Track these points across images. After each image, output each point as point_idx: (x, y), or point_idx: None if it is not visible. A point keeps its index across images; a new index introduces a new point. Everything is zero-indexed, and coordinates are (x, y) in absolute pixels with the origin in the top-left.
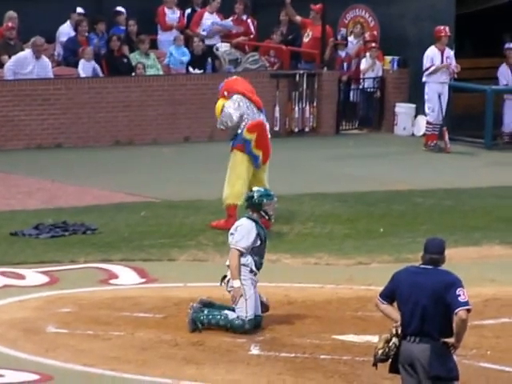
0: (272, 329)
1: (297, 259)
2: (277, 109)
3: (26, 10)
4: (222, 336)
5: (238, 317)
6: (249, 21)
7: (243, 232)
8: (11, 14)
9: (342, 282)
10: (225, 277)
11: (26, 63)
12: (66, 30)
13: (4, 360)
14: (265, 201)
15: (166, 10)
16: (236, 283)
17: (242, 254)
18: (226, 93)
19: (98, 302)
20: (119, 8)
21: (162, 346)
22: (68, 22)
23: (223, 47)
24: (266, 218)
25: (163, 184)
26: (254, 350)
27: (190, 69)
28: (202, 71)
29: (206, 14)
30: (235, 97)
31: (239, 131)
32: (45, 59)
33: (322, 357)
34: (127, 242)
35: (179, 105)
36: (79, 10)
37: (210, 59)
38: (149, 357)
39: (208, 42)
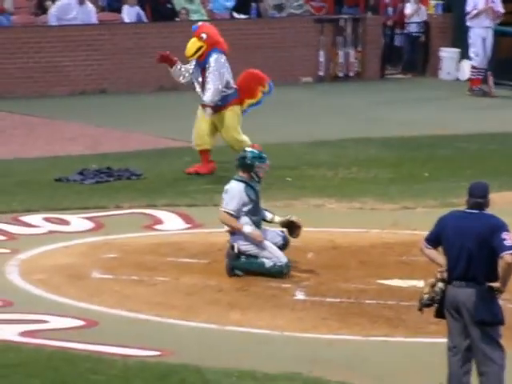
0: (317, 274)
1: (341, 204)
2: (321, 54)
3: None
4: (266, 281)
5: (274, 264)
6: None
7: (232, 194)
8: None
9: (386, 226)
10: (232, 247)
11: (70, 9)
12: None
13: (49, 306)
14: (257, 163)
15: None
16: (246, 229)
17: (232, 216)
18: (203, 35)
19: (143, 248)
20: None
21: (206, 292)
22: None
23: None
24: (256, 179)
25: None
26: (299, 295)
27: (235, 14)
28: (246, 16)
29: None
30: (212, 61)
31: (231, 90)
32: (88, 5)
33: (366, 301)
34: (172, 187)
35: None
36: None
37: (254, 4)
38: (194, 302)
39: None
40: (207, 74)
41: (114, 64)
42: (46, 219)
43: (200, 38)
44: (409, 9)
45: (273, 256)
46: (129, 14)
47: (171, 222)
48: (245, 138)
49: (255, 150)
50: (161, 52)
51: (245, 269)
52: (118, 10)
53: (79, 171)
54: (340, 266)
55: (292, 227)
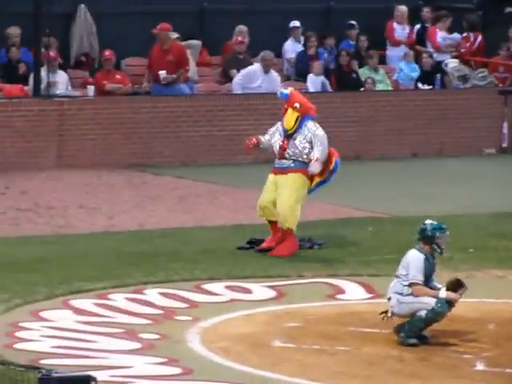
0: (498, 345)
1: None
2: (505, 125)
3: (255, 23)
4: (447, 352)
5: (427, 312)
6: (473, 37)
7: (418, 266)
8: (241, 28)
9: None
10: (386, 311)
11: (255, 77)
12: (289, 47)
13: (229, 374)
14: (437, 234)
15: (396, 25)
16: (442, 294)
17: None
18: (297, 105)
19: (325, 317)
20: (352, 21)
21: (388, 362)
22: (291, 38)
23: (452, 63)
24: (438, 251)
25: (390, 199)
26: (480, 366)
27: (419, 84)
28: (430, 87)
29: (437, 31)
30: (314, 127)
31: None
32: (273, 73)
33: None
34: (354, 256)
35: (407, 120)
36: (295, 23)
37: (438, 75)
38: (374, 372)
39: (437, 57)
40: (315, 142)
41: None
42: (228, 287)
43: (295, 108)
44: None
45: (423, 305)
46: (313, 82)
47: (353, 292)
48: (298, 214)
49: (434, 222)
50: (249, 144)
51: (413, 333)
52: (303, 79)
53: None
54: None
55: (457, 287)
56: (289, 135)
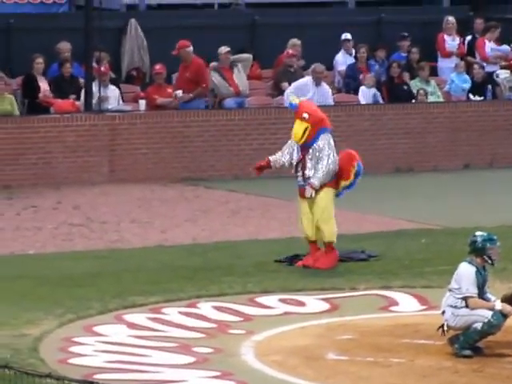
0: None
1: None
2: None
3: (307, 36)
4: (502, 363)
5: (483, 324)
6: None
7: (470, 279)
8: (294, 41)
9: None
10: (442, 326)
11: (306, 90)
12: (341, 59)
13: None
14: (488, 245)
15: (446, 37)
16: (498, 305)
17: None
18: (305, 115)
19: (379, 329)
20: (404, 33)
21: (442, 373)
22: (342, 51)
23: (503, 74)
24: (489, 262)
25: (443, 211)
26: None
27: (470, 96)
28: (482, 98)
29: (486, 42)
30: (323, 143)
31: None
32: (325, 86)
33: None
34: (407, 268)
35: (459, 132)
36: (346, 35)
37: (490, 86)
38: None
39: (488, 69)
40: (320, 156)
41: (349, 145)
42: (282, 300)
43: (303, 119)
44: None
45: (479, 317)
46: (365, 95)
47: (407, 304)
48: (335, 225)
49: (485, 233)
50: (258, 167)
51: (468, 345)
52: (355, 92)
53: None
54: None
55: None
56: (304, 149)
